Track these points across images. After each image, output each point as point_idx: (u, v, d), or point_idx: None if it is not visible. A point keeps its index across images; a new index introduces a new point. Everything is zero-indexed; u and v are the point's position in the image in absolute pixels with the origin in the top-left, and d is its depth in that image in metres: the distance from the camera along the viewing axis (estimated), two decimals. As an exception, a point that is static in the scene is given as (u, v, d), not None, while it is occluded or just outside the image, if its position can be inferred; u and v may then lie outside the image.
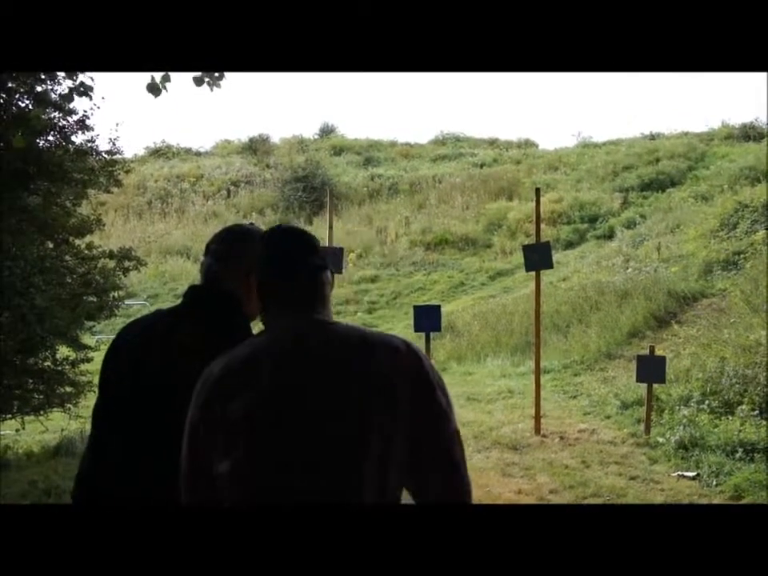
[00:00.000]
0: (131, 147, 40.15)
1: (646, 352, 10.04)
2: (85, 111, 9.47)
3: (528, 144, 36.27)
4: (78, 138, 9.65)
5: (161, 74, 6.22)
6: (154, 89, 6.17)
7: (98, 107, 10.34)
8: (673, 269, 17.01)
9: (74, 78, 7.06)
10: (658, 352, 10.27)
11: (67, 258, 9.87)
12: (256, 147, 36.59)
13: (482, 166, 31.82)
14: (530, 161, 31.80)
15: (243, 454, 1.92)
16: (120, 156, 10.61)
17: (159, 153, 37.90)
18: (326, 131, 40.06)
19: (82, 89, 6.42)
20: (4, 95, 8.59)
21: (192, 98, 68.38)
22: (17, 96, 8.84)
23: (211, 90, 6.42)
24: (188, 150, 38.55)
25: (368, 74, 67.71)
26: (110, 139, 10.15)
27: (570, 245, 23.69)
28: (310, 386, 1.98)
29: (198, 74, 6.30)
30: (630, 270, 17.91)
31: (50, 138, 9.47)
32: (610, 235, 23.18)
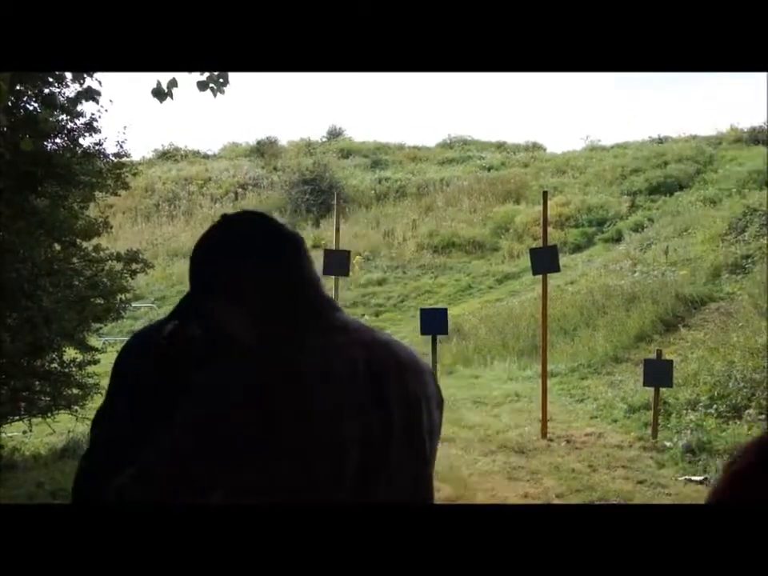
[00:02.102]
0: (139, 150, 40.22)
1: (654, 356, 10.03)
2: (92, 114, 9.49)
3: (536, 147, 36.24)
4: (86, 141, 9.68)
5: (166, 78, 6.24)
6: (160, 94, 6.18)
7: (106, 110, 10.36)
8: (681, 272, 16.97)
9: (82, 81, 7.08)
10: (666, 356, 10.25)
11: (74, 260, 9.88)
12: (264, 150, 36.62)
13: (489, 169, 31.78)
14: (537, 164, 31.75)
15: None
16: (127, 159, 10.63)
17: (167, 155, 37.97)
18: (334, 134, 40.07)
19: (89, 93, 6.44)
20: (12, 98, 8.62)
21: (200, 101, 68.51)
22: (24, 99, 8.87)
23: (214, 95, 6.43)
24: (196, 153, 38.59)
25: (375, 77, 67.78)
26: (118, 142, 10.19)
27: (577, 248, 23.64)
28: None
29: (203, 78, 6.31)
30: (637, 273, 17.88)
31: (58, 140, 9.49)
32: (617, 239, 23.12)
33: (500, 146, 36.63)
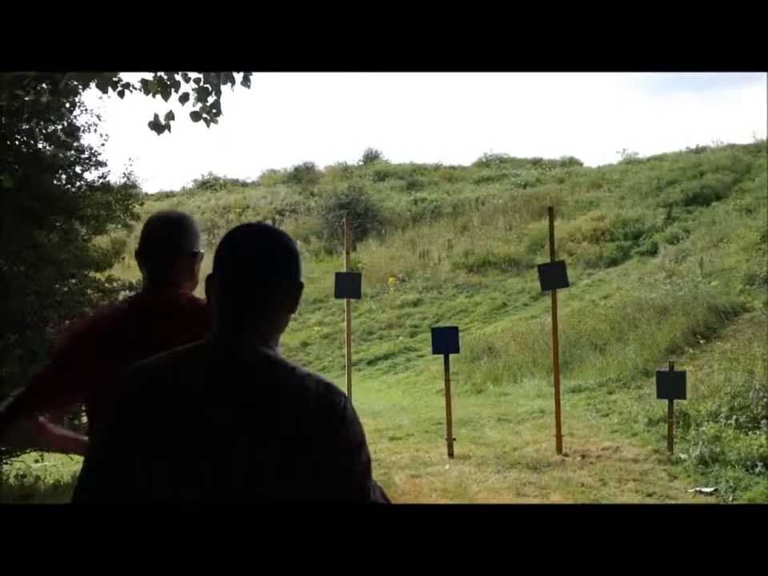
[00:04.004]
0: (179, 180, 40.62)
1: (684, 369, 9.91)
2: (92, 148, 9.58)
3: (572, 162, 36.02)
4: (91, 175, 9.75)
5: (164, 113, 6.35)
6: (158, 126, 6.30)
7: (107, 138, 10.31)
8: (713, 283, 16.75)
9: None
10: (695, 368, 10.12)
11: (88, 290, 9.85)
12: (301, 176, 36.80)
13: (525, 186, 31.63)
14: (573, 179, 31.53)
15: None
16: (135, 190, 10.63)
17: (207, 185, 38.32)
18: (370, 157, 39.95)
19: (70, 129, 6.56)
20: (19, 137, 8.70)
21: (240, 129, 69.12)
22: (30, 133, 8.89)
23: (208, 126, 6.54)
24: (234, 182, 38.93)
25: (413, 98, 67.66)
26: (125, 173, 10.31)
27: (613, 262, 23.28)
28: None
29: (196, 109, 6.40)
30: (669, 285, 17.66)
31: (63, 177, 9.51)
32: (653, 251, 22.72)
33: (536, 163, 36.44)
